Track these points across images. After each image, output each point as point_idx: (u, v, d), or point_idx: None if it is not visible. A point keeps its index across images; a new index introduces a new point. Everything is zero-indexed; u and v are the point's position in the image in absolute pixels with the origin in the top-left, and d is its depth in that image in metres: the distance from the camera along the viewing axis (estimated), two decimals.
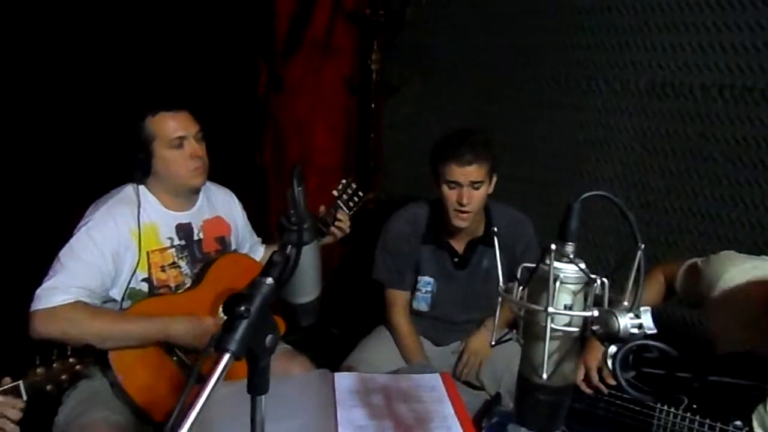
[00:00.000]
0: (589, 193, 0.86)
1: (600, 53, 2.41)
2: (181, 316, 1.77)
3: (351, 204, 2.08)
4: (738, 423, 1.39)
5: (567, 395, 0.90)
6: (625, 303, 0.81)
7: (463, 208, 2.06)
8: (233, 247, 2.08)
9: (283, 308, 1.16)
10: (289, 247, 0.99)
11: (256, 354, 0.93)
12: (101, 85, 2.99)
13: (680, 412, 1.45)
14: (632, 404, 1.56)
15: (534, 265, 0.89)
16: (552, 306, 0.84)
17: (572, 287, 0.86)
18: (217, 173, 2.03)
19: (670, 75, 2.23)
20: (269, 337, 0.94)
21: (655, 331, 0.78)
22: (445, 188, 2.08)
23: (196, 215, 1.97)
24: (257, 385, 0.96)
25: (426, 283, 2.28)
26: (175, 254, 1.90)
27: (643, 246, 0.81)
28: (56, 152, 3.08)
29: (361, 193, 2.11)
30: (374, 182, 3.11)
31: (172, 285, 1.89)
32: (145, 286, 1.84)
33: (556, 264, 0.86)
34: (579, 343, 0.89)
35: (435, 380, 1.63)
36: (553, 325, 0.84)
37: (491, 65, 2.80)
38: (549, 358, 0.86)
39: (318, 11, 3.07)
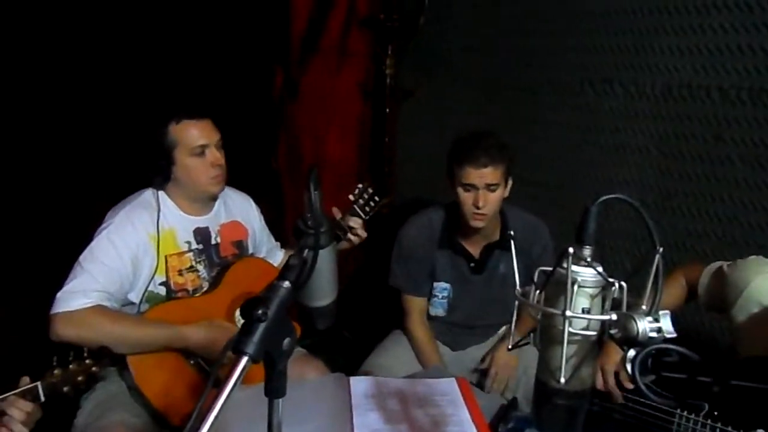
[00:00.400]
0: (607, 196, 0.86)
1: (615, 56, 2.40)
2: (199, 323, 1.78)
3: (367, 209, 2.08)
4: (761, 431, 1.36)
5: (585, 400, 0.89)
6: (644, 307, 0.81)
7: (479, 211, 2.05)
8: (250, 251, 2.10)
9: (299, 312, 1.17)
10: (306, 250, 1.00)
11: (273, 357, 0.93)
12: (123, 89, 3.03)
13: (700, 418, 1.42)
14: (650, 409, 1.54)
15: (551, 269, 0.89)
16: (570, 310, 0.83)
17: (590, 291, 0.85)
18: (233, 177, 2.04)
19: (686, 77, 2.21)
20: (286, 341, 0.95)
21: (674, 335, 0.77)
22: (460, 191, 2.07)
23: (213, 219, 1.99)
24: (274, 389, 0.97)
25: (442, 288, 2.28)
26: (192, 258, 1.92)
27: (661, 249, 0.80)
28: (77, 157, 3.13)
29: (377, 198, 2.11)
30: (389, 187, 3.11)
31: (190, 288, 1.91)
32: (163, 290, 1.86)
33: (574, 267, 0.86)
34: (597, 347, 0.89)
35: (451, 384, 1.63)
36: (570, 329, 0.84)
37: (505, 69, 2.80)
38: (567, 362, 0.86)
39: (333, 17, 3.09)
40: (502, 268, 2.24)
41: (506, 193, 2.11)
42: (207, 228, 1.97)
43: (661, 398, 0.92)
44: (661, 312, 0.77)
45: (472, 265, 2.24)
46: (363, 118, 3.20)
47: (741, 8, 2.04)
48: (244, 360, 0.88)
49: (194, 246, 1.93)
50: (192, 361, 1.81)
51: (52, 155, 3.12)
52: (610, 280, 0.83)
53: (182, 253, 1.90)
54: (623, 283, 0.82)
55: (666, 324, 0.77)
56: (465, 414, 1.49)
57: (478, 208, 2.04)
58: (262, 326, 0.91)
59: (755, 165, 2.07)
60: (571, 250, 0.82)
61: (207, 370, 1.80)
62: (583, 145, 2.54)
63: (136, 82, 2.97)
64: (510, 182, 2.12)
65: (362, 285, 2.76)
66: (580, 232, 0.85)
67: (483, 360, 2.28)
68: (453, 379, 1.66)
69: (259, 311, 0.91)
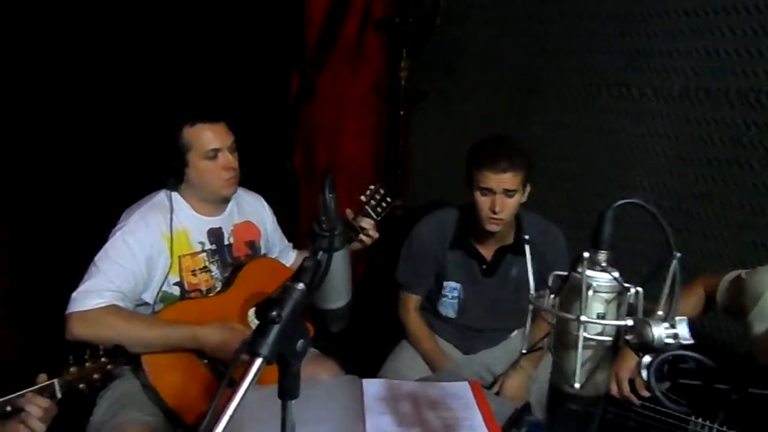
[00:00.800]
0: (623, 201, 0.85)
1: (631, 58, 2.38)
2: (212, 324, 1.79)
3: (379, 210, 2.08)
4: None
5: (599, 405, 0.88)
6: (660, 312, 0.80)
7: (495, 216, 2.04)
8: (263, 251, 2.11)
9: (313, 314, 1.17)
10: (321, 252, 1.00)
11: (287, 359, 0.94)
12: (139, 90, 3.06)
13: (716, 425, 1.41)
14: (665, 416, 1.52)
15: (566, 273, 0.88)
16: (584, 314, 0.83)
17: (605, 296, 0.85)
18: (249, 179, 2.06)
19: (705, 80, 2.18)
20: (300, 342, 0.95)
21: (691, 342, 0.77)
22: (478, 195, 2.06)
23: (226, 220, 2.01)
24: (288, 390, 0.97)
25: (452, 288, 2.27)
26: (206, 258, 1.93)
27: (678, 255, 0.79)
28: (94, 158, 3.16)
29: (389, 199, 2.11)
30: (403, 189, 3.11)
31: (203, 288, 1.92)
32: (176, 290, 1.88)
33: (589, 272, 0.85)
34: (612, 352, 0.88)
35: (464, 388, 1.63)
36: (585, 334, 0.83)
37: (520, 71, 2.78)
38: (581, 367, 0.85)
39: (348, 21, 3.09)
40: (515, 272, 2.23)
41: (524, 199, 2.10)
42: (220, 228, 1.98)
43: (676, 405, 0.90)
44: (677, 318, 0.77)
45: (483, 267, 2.23)
46: (377, 120, 3.20)
47: (761, 10, 2.02)
48: (259, 361, 0.89)
49: (207, 246, 1.95)
50: (205, 361, 1.82)
51: (68, 156, 3.16)
52: (626, 285, 0.82)
53: (195, 254, 1.91)
54: (639, 289, 0.82)
55: (682, 330, 0.76)
56: (478, 417, 1.49)
57: (494, 212, 2.03)
58: (276, 328, 0.91)
59: None
60: (586, 254, 0.81)
61: (220, 370, 1.81)
62: (599, 148, 2.52)
63: (153, 83, 3.00)
64: (528, 188, 2.10)
65: (375, 287, 2.76)
66: (595, 237, 0.85)
67: (494, 383, 2.25)
68: (466, 382, 1.66)
69: (274, 313, 0.92)
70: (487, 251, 2.23)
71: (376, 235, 2.05)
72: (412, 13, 3.07)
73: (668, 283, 0.80)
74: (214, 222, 1.98)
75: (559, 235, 2.21)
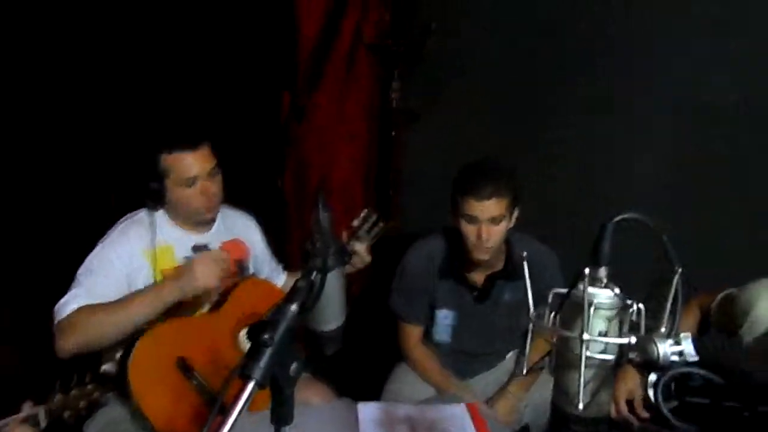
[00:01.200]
0: (623, 216, 0.84)
1: (626, 77, 2.38)
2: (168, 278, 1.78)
3: (372, 233, 2.07)
4: None
5: (602, 426, 0.86)
6: (663, 329, 0.78)
7: (482, 245, 1.98)
8: (251, 271, 2.09)
9: (306, 336, 1.14)
10: (314, 273, 0.98)
11: (279, 383, 0.91)
12: (125, 110, 3.04)
13: None
14: None
15: (566, 290, 0.87)
16: (587, 333, 0.81)
17: (607, 313, 0.83)
18: (239, 199, 2.04)
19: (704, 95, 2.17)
20: (294, 366, 0.92)
21: (696, 359, 0.74)
22: (463, 223, 2.00)
23: (213, 237, 2.00)
24: (281, 415, 0.94)
25: (444, 316, 2.22)
26: None
27: (680, 270, 0.78)
28: (72, 174, 3.13)
29: (381, 223, 2.09)
30: (395, 211, 3.09)
31: (189, 304, 1.88)
32: None
33: (590, 289, 0.83)
34: (614, 372, 0.86)
35: (461, 410, 1.59)
36: (588, 353, 0.81)
37: (513, 91, 2.78)
38: (584, 387, 0.83)
39: (339, 43, 3.09)
40: (507, 296, 2.17)
41: (511, 224, 2.04)
42: (206, 245, 1.97)
43: (685, 425, 0.89)
44: (682, 334, 0.75)
45: (475, 294, 2.18)
46: (370, 142, 3.19)
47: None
48: (251, 385, 0.86)
49: None
50: (194, 382, 1.77)
51: (58, 174, 3.13)
52: (628, 301, 0.80)
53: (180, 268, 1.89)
54: (641, 305, 0.80)
55: (688, 347, 0.74)
56: None
57: (481, 240, 1.97)
58: (268, 351, 0.89)
59: None
60: (587, 270, 0.79)
61: (211, 394, 1.77)
62: (595, 165, 2.51)
63: (143, 104, 2.98)
64: (516, 212, 2.04)
65: (368, 310, 2.73)
66: (595, 253, 0.83)
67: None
68: (463, 404, 1.62)
69: (266, 335, 0.89)
70: (477, 278, 2.17)
71: (368, 258, 2.02)
72: (404, 35, 3.08)
73: (670, 299, 0.78)
74: (201, 239, 1.96)
75: (554, 259, 2.16)
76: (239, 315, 1.92)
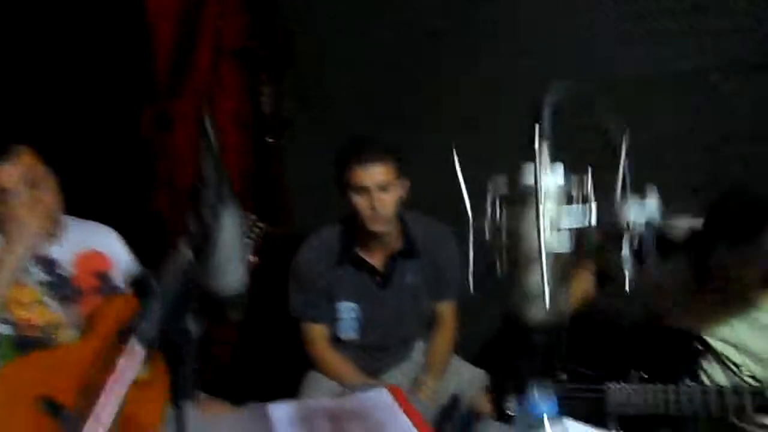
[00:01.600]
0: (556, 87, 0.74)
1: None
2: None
3: (252, 236, 1.90)
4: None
5: (563, 331, 0.75)
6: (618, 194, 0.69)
7: (376, 214, 1.94)
8: (116, 283, 1.86)
9: (204, 305, 0.94)
10: (208, 209, 0.80)
11: (174, 341, 0.71)
12: None
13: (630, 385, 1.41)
14: (583, 386, 1.48)
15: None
16: (542, 222, 0.70)
17: (555, 197, 0.73)
18: (110, 222, 1.93)
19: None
20: (190, 319, 0.73)
21: (658, 220, 0.66)
22: (354, 196, 1.95)
23: (63, 250, 1.77)
24: (179, 388, 0.74)
25: (347, 309, 2.10)
26: (39, 291, 1.69)
27: (627, 128, 0.69)
28: None
29: (260, 225, 1.93)
30: (279, 216, 2.92)
31: (40, 324, 1.67)
32: (6, 329, 1.63)
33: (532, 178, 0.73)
34: (570, 269, 0.76)
35: (383, 395, 1.44)
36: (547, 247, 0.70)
37: (384, 95, 2.75)
38: (541, 291, 0.72)
39: (200, 47, 2.91)
40: (410, 277, 2.10)
41: (403, 195, 2.01)
42: (54, 259, 1.74)
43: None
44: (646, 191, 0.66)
45: (377, 278, 2.09)
46: (242, 148, 3.01)
47: None
48: (135, 343, 0.66)
49: (39, 278, 1.70)
50: (66, 423, 1.46)
51: None
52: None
53: (22, 286, 1.66)
54: (589, 172, 0.70)
55: (651, 204, 0.65)
56: (404, 420, 1.31)
57: (374, 210, 1.93)
58: (154, 302, 0.69)
59: None
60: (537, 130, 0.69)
61: (64, 417, 1.47)
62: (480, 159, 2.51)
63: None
64: (406, 184, 2.01)
65: (264, 319, 2.52)
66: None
67: None
68: (384, 389, 1.48)
69: (151, 283, 0.70)
70: (377, 260, 2.09)
71: (253, 259, 1.86)
72: (266, 39, 2.96)
73: (622, 161, 0.69)
74: (47, 252, 1.73)
75: (450, 238, 2.12)
76: (112, 336, 1.65)
